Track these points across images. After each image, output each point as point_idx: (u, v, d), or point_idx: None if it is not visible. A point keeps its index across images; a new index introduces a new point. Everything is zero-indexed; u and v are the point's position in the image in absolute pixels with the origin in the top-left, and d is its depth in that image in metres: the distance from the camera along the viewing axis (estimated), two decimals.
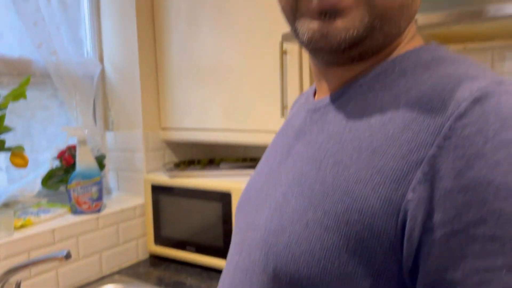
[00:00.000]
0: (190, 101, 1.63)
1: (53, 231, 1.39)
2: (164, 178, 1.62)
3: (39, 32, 1.49)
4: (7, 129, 1.30)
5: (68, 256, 1.13)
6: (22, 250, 1.30)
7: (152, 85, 1.70)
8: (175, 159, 1.82)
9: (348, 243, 0.38)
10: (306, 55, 1.32)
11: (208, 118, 1.59)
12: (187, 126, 1.66)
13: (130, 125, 1.72)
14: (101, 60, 1.76)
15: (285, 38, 1.22)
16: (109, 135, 1.79)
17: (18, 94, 1.32)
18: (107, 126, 1.80)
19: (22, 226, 1.36)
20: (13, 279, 1.22)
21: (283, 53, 1.32)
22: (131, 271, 1.59)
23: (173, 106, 1.68)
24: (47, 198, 1.61)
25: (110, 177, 1.80)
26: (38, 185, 1.55)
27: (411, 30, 0.48)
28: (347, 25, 0.41)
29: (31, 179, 1.56)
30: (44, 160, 1.61)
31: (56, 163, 1.59)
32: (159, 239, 1.66)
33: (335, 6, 0.41)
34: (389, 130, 0.39)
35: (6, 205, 1.46)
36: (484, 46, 1.33)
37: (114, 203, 1.66)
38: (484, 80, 0.37)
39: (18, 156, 1.33)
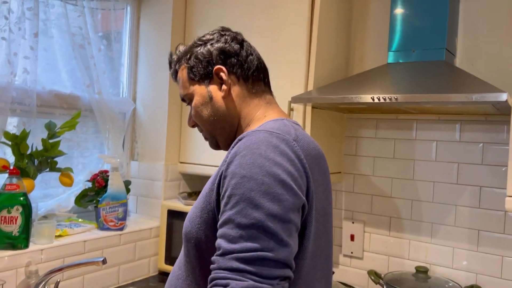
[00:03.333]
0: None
1: (84, 242, 1.63)
2: (179, 205, 1.88)
3: (89, 75, 1.80)
4: (61, 153, 1.58)
5: (104, 262, 1.38)
6: (59, 256, 1.54)
7: (176, 125, 2.00)
8: (188, 189, 2.09)
9: (201, 213, 0.83)
10: (309, 112, 1.63)
11: (220, 156, 1.87)
12: (202, 162, 1.94)
13: (154, 157, 2.00)
14: (134, 100, 2.06)
15: (293, 100, 1.53)
16: (133, 164, 2.06)
17: (71, 125, 1.61)
18: (132, 156, 2.08)
19: (59, 236, 1.61)
20: (52, 279, 1.46)
21: (291, 110, 1.63)
22: (142, 285, 1.82)
23: (191, 144, 1.97)
24: (77, 215, 1.86)
25: (130, 200, 2.06)
26: (71, 202, 1.81)
27: (254, 117, 0.94)
28: (210, 142, 1.01)
29: (65, 197, 1.82)
30: (77, 181, 1.87)
31: (88, 185, 1.85)
32: (169, 259, 1.90)
33: (205, 137, 1.02)
34: (222, 165, 0.82)
35: (45, 217, 1.71)
36: (452, 118, 1.67)
37: (133, 224, 1.91)
38: (254, 129, 0.82)
39: (66, 176, 1.59)
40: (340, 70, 1.83)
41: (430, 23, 1.54)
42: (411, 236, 1.76)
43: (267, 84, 1.00)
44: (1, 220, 1.41)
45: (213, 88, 0.94)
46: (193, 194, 2.02)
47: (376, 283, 1.67)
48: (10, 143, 1.53)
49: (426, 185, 1.73)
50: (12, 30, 1.53)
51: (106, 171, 1.85)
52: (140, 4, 2.06)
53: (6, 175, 1.45)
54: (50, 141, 1.59)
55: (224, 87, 0.93)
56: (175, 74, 1.02)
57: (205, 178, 2.16)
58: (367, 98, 1.37)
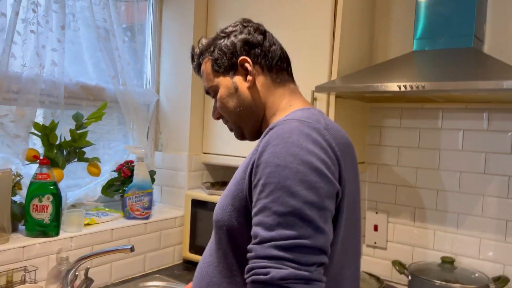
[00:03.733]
0: (229, 131, 1.93)
1: (111, 231, 1.67)
2: (203, 194, 1.90)
3: (114, 67, 1.83)
4: (88, 144, 1.61)
5: (132, 249, 1.41)
6: (87, 243, 1.59)
7: (199, 116, 2.01)
8: (211, 179, 2.11)
9: (233, 201, 0.84)
10: (332, 102, 1.62)
11: (243, 147, 1.88)
12: (225, 152, 1.95)
13: (177, 148, 2.02)
14: (157, 91, 2.08)
15: (317, 89, 1.52)
16: (157, 155, 2.09)
17: (98, 116, 1.64)
18: (156, 147, 2.11)
19: (87, 224, 1.65)
20: (82, 266, 1.50)
21: (314, 99, 1.62)
22: (168, 272, 1.85)
23: (214, 134, 1.98)
24: (104, 204, 1.90)
25: (154, 190, 2.09)
26: (98, 192, 1.85)
27: (280, 107, 0.95)
28: (235, 133, 1.02)
29: (92, 186, 1.86)
30: (103, 171, 1.90)
31: (114, 175, 1.89)
32: (193, 247, 1.92)
33: (230, 129, 1.03)
34: (253, 153, 0.83)
35: (73, 206, 1.75)
36: (479, 106, 1.63)
37: (157, 213, 1.94)
38: (283, 118, 0.84)
39: (94, 166, 1.63)
40: (364, 59, 1.81)
41: (457, 9, 1.51)
42: (436, 226, 1.74)
43: (290, 73, 1.00)
44: (33, 208, 1.45)
45: (238, 79, 0.95)
46: (216, 184, 2.04)
47: (400, 273, 1.67)
48: (39, 134, 1.57)
49: (452, 175, 1.70)
50: (40, 23, 1.57)
51: (132, 161, 1.89)
52: None
53: (37, 165, 1.49)
54: (78, 131, 1.63)
55: (249, 77, 0.94)
56: (198, 68, 1.04)
57: (227, 169, 2.18)
58: (393, 86, 1.35)
